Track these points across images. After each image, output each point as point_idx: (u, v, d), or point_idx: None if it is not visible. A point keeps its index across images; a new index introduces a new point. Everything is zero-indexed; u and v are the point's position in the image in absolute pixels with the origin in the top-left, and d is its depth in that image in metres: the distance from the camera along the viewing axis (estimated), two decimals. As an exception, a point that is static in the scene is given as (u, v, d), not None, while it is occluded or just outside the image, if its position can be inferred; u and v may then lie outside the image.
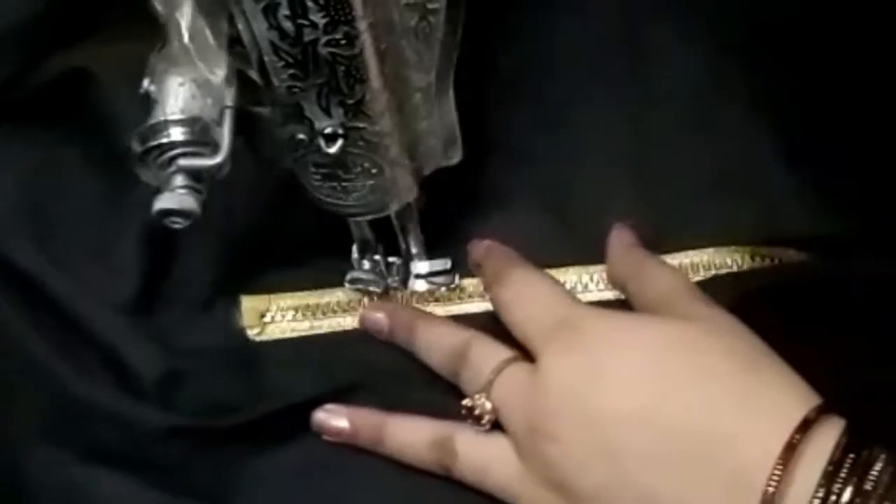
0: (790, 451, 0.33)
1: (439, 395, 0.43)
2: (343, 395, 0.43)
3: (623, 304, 0.43)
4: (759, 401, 0.35)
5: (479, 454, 0.40)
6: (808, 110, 0.44)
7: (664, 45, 0.46)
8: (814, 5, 0.43)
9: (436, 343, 0.43)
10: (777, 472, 0.32)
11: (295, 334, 0.45)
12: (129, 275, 0.45)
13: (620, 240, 0.44)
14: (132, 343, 0.43)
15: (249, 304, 0.46)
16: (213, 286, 0.46)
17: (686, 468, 0.34)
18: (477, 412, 0.39)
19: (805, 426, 0.33)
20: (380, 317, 0.44)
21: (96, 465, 0.42)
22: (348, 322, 0.46)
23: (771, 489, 0.32)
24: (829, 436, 0.33)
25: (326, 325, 0.46)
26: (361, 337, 0.45)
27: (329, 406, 0.43)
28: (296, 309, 0.46)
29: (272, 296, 0.46)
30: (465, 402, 0.40)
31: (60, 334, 0.44)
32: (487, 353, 0.40)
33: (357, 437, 0.42)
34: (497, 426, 0.39)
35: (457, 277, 0.46)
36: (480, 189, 0.46)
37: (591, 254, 0.45)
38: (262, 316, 0.45)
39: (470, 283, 0.46)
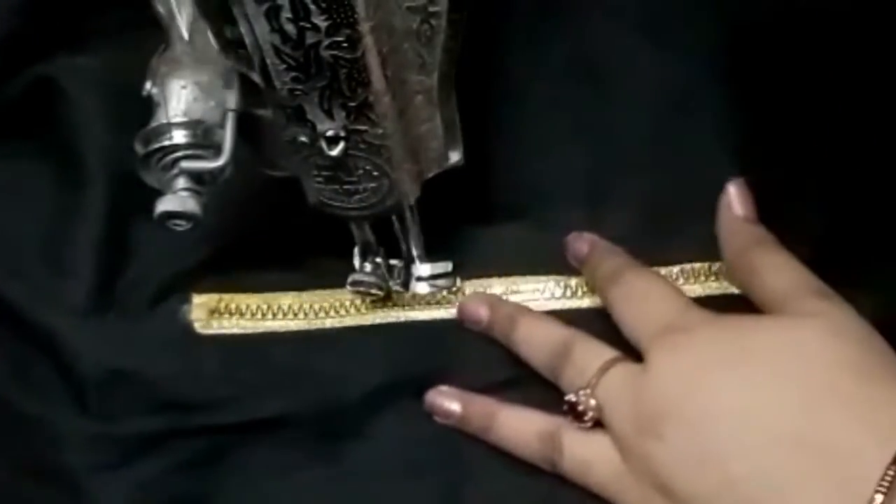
0: None
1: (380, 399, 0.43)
2: (282, 393, 0.44)
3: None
4: (871, 406, 0.34)
5: (583, 451, 0.40)
6: (773, 130, 0.44)
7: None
8: (778, 25, 0.43)
9: (536, 340, 0.42)
10: (887, 479, 0.32)
11: (241, 332, 0.46)
12: (81, 277, 0.45)
13: (729, 211, 0.42)
14: (77, 344, 0.44)
15: (200, 301, 0.46)
16: (187, 285, 0.46)
17: (790, 476, 0.34)
18: (580, 408, 0.39)
19: None
20: (480, 309, 0.44)
21: (29, 478, 0.43)
22: (296, 324, 0.46)
23: (882, 491, 0.32)
24: None
25: (275, 326, 0.46)
26: (307, 339, 0.45)
27: (443, 387, 0.43)
28: (245, 308, 0.46)
29: (223, 294, 0.46)
30: (569, 397, 0.40)
31: (6, 339, 0.45)
32: (592, 352, 0.40)
33: (467, 422, 0.43)
34: (599, 425, 0.40)
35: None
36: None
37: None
38: (213, 313, 0.46)
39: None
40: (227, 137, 0.37)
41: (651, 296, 0.40)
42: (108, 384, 0.44)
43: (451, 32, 0.37)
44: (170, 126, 0.36)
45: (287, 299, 0.46)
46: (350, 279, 0.45)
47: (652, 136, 0.46)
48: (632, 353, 0.40)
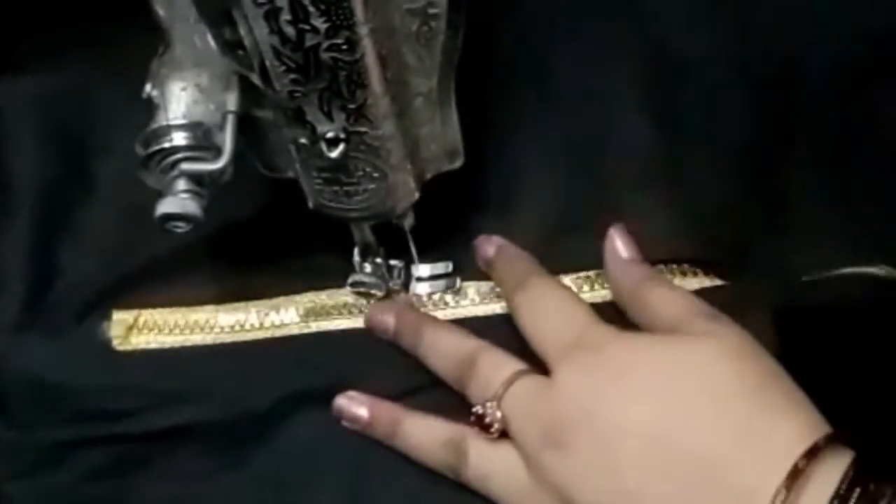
0: (794, 477, 0.33)
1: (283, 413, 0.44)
2: (194, 403, 0.44)
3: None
4: (763, 426, 0.35)
5: (487, 460, 0.40)
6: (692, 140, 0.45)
7: None
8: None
9: (442, 350, 0.43)
10: (780, 499, 0.33)
11: (159, 347, 0.46)
12: (11, 295, 0.46)
13: (613, 253, 0.43)
14: (5, 359, 0.45)
15: (119, 318, 0.46)
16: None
17: (687, 490, 0.35)
18: (487, 420, 0.40)
19: (812, 453, 0.33)
20: (387, 318, 0.45)
21: None
22: (212, 338, 0.46)
23: None
24: (836, 466, 0.33)
25: (192, 340, 0.46)
26: (223, 354, 0.46)
27: (351, 393, 0.44)
28: (162, 323, 0.47)
29: (142, 310, 0.47)
30: (476, 409, 0.40)
31: None
32: (497, 364, 0.41)
33: (373, 427, 0.43)
34: (504, 436, 0.40)
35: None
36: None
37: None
38: (131, 329, 0.46)
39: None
40: (227, 139, 0.37)
41: (556, 309, 0.41)
42: (30, 397, 0.45)
43: (451, 34, 0.37)
44: (170, 128, 0.36)
45: (203, 314, 0.47)
46: (350, 280, 0.45)
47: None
48: (538, 361, 0.41)
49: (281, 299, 0.47)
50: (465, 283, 0.46)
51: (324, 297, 0.47)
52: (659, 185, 0.45)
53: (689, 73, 0.45)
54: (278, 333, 0.46)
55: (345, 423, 0.44)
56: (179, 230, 0.37)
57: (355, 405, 0.44)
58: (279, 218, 0.45)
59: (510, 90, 0.46)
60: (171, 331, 0.46)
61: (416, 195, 0.42)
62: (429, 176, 0.42)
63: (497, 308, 0.46)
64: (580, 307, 0.41)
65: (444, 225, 0.46)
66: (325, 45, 0.34)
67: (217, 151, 0.37)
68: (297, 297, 0.47)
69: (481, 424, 0.40)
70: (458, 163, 0.42)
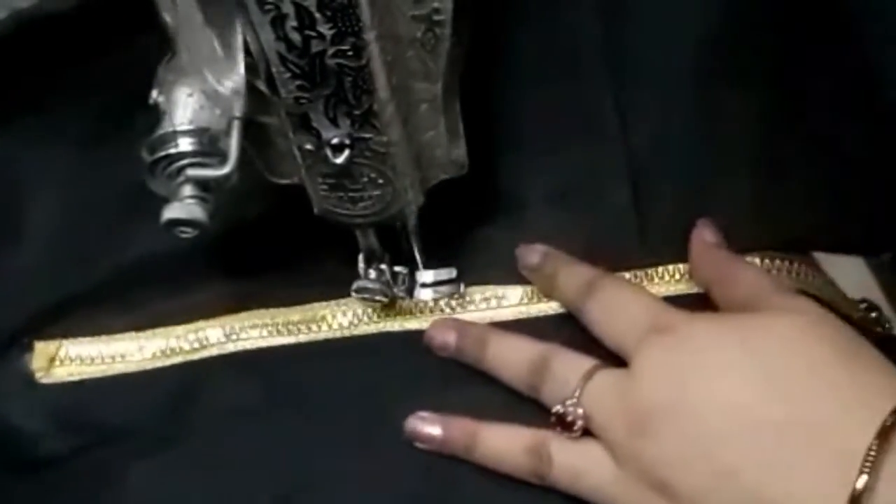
0: (885, 434, 0.33)
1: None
2: (111, 441, 0.44)
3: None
4: (857, 387, 0.36)
5: (574, 460, 0.40)
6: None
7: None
8: None
9: (511, 358, 0.43)
10: (870, 459, 0.33)
11: (81, 378, 0.46)
12: None
13: (701, 239, 0.44)
14: None
15: (40, 348, 0.46)
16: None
17: (788, 459, 0.35)
18: (569, 419, 0.40)
19: None
20: (447, 335, 0.44)
21: None
22: (134, 366, 0.46)
23: (866, 472, 0.33)
24: None
25: (113, 369, 0.46)
26: (143, 383, 0.46)
27: (422, 413, 0.43)
28: (84, 354, 0.46)
29: (63, 340, 0.46)
30: (556, 409, 0.40)
31: None
32: (572, 362, 0.41)
33: (449, 444, 0.43)
34: (586, 433, 0.40)
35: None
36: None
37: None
38: (52, 360, 0.46)
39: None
40: (233, 145, 0.37)
41: (627, 302, 0.41)
42: None
43: (456, 40, 0.37)
44: (175, 134, 0.37)
45: (126, 342, 0.46)
46: (355, 286, 0.45)
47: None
48: (607, 358, 0.41)
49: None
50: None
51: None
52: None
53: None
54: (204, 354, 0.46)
55: (419, 445, 0.43)
56: (185, 236, 0.37)
57: (427, 425, 0.43)
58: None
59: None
60: (93, 361, 0.46)
61: (421, 201, 0.42)
62: (433, 182, 0.42)
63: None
64: (650, 297, 0.42)
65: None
66: (331, 51, 0.34)
67: (223, 157, 0.37)
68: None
69: (563, 424, 0.40)
70: (462, 169, 0.42)
